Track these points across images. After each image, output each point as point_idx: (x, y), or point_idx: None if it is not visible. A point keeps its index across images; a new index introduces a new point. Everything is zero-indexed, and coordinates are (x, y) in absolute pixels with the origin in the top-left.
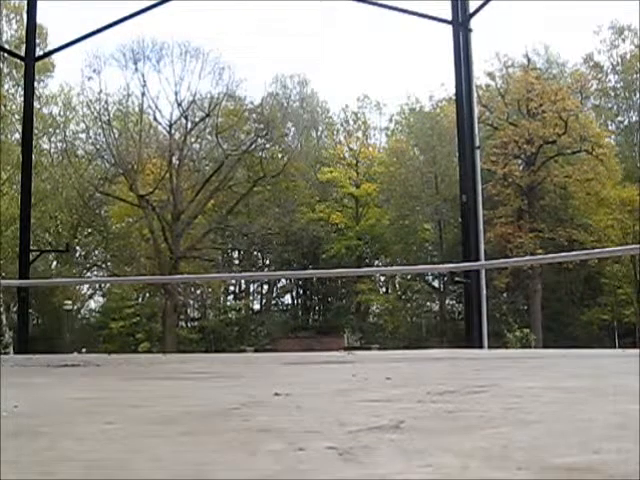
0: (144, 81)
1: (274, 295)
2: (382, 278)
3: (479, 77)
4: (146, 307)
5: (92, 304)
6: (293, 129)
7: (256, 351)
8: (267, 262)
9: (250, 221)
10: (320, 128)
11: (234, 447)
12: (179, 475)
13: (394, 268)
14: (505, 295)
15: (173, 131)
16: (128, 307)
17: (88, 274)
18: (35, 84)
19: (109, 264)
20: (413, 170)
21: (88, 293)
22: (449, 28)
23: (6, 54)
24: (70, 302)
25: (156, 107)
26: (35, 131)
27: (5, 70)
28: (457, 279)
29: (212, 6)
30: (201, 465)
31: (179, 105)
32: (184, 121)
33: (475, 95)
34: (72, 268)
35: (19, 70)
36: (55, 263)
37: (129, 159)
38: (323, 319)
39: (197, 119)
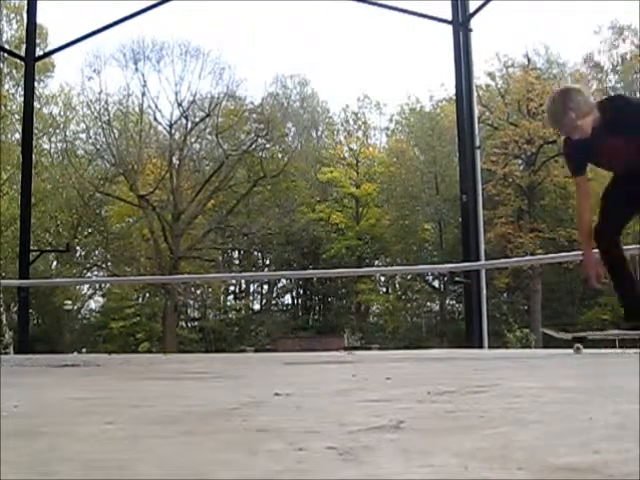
0: (144, 81)
1: (274, 295)
2: (382, 278)
3: (479, 77)
4: (146, 307)
5: (92, 304)
6: (293, 129)
7: (256, 351)
8: (267, 262)
9: (250, 221)
10: (320, 128)
11: (234, 447)
12: (179, 475)
13: (394, 268)
14: (505, 295)
15: (173, 131)
16: (128, 307)
17: (88, 274)
18: (35, 84)
19: (109, 264)
20: (413, 170)
21: (88, 293)
22: (449, 28)
23: (6, 54)
24: (70, 302)
25: (156, 107)
26: (35, 131)
27: (5, 70)
28: (457, 279)
29: (212, 6)
30: (201, 465)
31: (179, 105)
32: (184, 121)
33: (475, 95)
34: (72, 268)
35: (19, 70)
36: (55, 263)
37: (129, 159)
38: (323, 319)
39: (197, 119)
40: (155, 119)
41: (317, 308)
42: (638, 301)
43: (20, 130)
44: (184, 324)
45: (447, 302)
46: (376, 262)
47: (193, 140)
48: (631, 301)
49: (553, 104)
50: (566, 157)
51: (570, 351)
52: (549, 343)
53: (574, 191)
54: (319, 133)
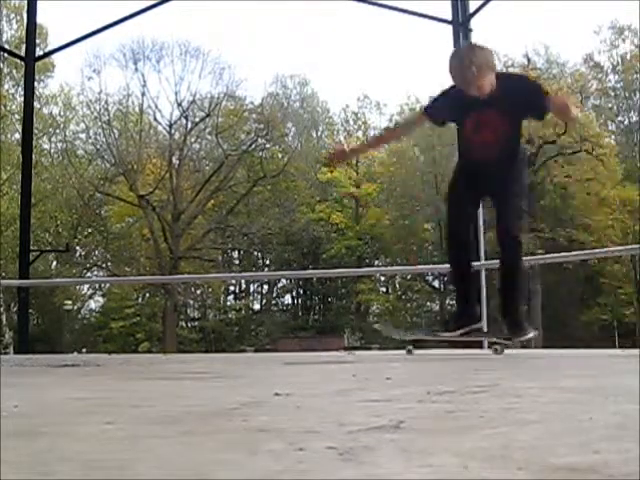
0: (144, 81)
1: (274, 295)
2: (382, 278)
3: None
4: (146, 307)
5: (92, 304)
6: (293, 129)
7: (256, 351)
8: (267, 262)
9: (250, 221)
10: (320, 128)
11: (234, 447)
12: (179, 475)
13: (394, 268)
14: None
15: (173, 131)
16: (128, 307)
17: (88, 274)
18: (35, 84)
19: (109, 264)
20: (413, 170)
21: (88, 293)
22: (449, 28)
23: (6, 54)
24: (70, 302)
25: (156, 107)
26: (35, 131)
27: (5, 70)
28: None
29: (212, 6)
30: (201, 465)
31: (179, 105)
32: (184, 121)
33: None
34: (72, 268)
35: (19, 70)
36: (55, 263)
37: (129, 159)
38: (323, 319)
39: (197, 119)
40: (155, 119)
41: (317, 308)
42: (471, 308)
43: (20, 130)
44: (184, 324)
45: (447, 302)
46: (376, 262)
47: (193, 140)
48: (464, 306)
49: (457, 58)
50: (442, 95)
51: (569, 351)
52: (549, 343)
53: (574, 191)
54: (319, 133)
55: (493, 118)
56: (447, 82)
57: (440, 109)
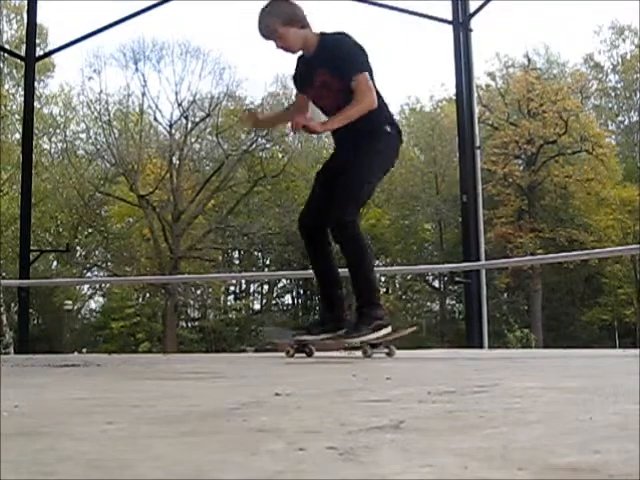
0: (144, 81)
1: (274, 295)
2: (382, 278)
3: (479, 77)
4: (146, 307)
5: (92, 304)
6: None
7: (256, 351)
8: (267, 262)
9: (250, 221)
10: None
11: (234, 447)
12: (179, 475)
13: (394, 268)
14: (505, 295)
15: (173, 131)
16: (128, 307)
17: (88, 274)
18: (35, 84)
19: (109, 264)
20: (413, 170)
21: (88, 293)
22: (449, 28)
23: (6, 54)
24: (70, 302)
25: (156, 107)
26: (35, 131)
27: (5, 70)
28: (457, 279)
29: (212, 6)
30: (201, 465)
31: (179, 105)
32: (184, 121)
33: (475, 95)
34: (72, 268)
35: (19, 70)
36: (55, 263)
37: (129, 159)
38: None
39: (197, 119)
40: (155, 119)
41: (317, 308)
42: (336, 311)
43: (20, 130)
44: (184, 324)
45: (447, 302)
46: (376, 262)
47: (193, 140)
48: (331, 311)
49: (261, 9)
50: (295, 70)
51: (569, 351)
52: (549, 343)
53: (574, 191)
54: None
55: (322, 83)
56: (448, 81)
57: (300, 78)
